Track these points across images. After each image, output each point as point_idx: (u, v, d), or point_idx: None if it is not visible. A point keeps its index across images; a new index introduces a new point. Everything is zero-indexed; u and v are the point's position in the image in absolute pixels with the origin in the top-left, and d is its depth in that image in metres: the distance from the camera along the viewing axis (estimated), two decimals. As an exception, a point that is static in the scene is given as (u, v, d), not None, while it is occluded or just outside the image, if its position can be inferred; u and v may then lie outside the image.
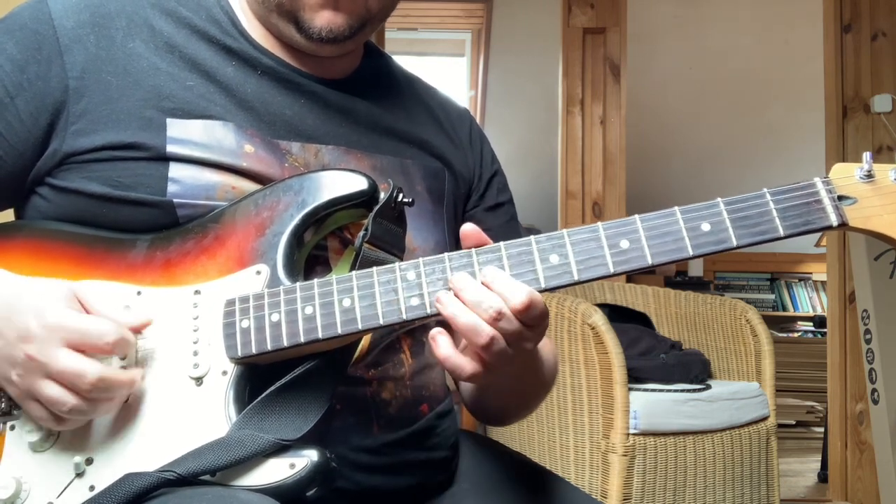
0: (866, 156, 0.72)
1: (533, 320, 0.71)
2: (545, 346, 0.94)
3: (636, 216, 0.73)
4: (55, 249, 0.82)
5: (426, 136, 0.98)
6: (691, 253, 0.72)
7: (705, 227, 0.72)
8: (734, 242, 0.72)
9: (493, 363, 0.72)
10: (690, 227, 0.72)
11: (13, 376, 0.71)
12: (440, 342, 0.72)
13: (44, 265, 0.81)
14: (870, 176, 0.72)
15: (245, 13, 0.91)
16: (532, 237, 0.74)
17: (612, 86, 3.65)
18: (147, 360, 0.76)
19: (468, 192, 1.02)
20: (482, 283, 0.71)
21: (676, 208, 0.73)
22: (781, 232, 0.71)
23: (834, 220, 0.71)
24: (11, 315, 0.71)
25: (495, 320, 0.70)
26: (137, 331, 0.74)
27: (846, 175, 0.72)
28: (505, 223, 1.03)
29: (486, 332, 0.70)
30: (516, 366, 0.75)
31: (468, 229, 0.75)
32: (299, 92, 0.90)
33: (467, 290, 0.71)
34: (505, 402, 0.96)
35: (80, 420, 0.72)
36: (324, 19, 0.86)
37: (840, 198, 0.72)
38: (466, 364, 0.72)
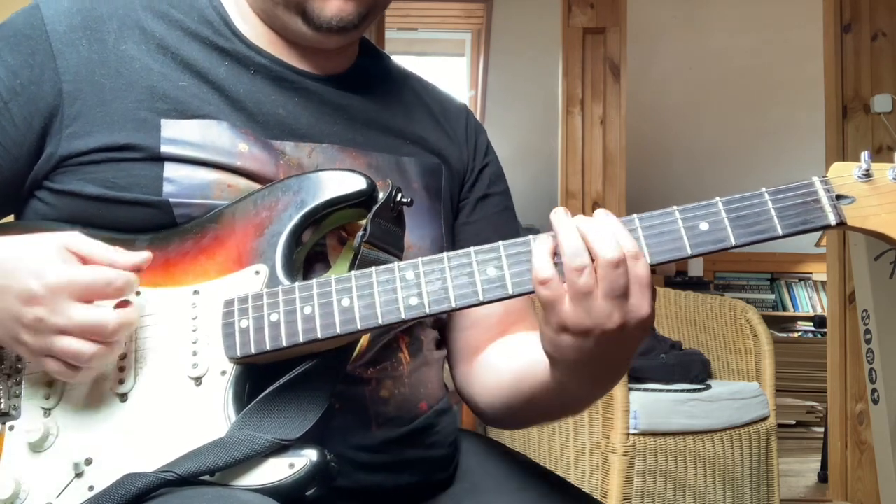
0: (864, 155, 0.72)
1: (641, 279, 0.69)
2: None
3: (635, 215, 0.73)
4: None
5: (423, 133, 0.98)
6: (690, 252, 0.71)
7: (704, 226, 0.72)
8: (733, 242, 0.71)
9: (584, 315, 0.69)
10: (689, 226, 0.72)
11: (25, 338, 0.72)
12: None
13: None
14: (868, 175, 0.72)
15: (241, 11, 0.91)
16: (531, 236, 0.74)
17: (612, 86, 3.65)
18: (146, 359, 0.76)
19: (462, 185, 1.01)
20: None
21: (675, 208, 0.72)
22: (780, 231, 0.71)
23: (832, 219, 0.71)
24: (10, 280, 0.72)
25: (616, 265, 0.68)
26: (139, 269, 0.76)
27: (844, 174, 0.72)
28: (494, 214, 1.02)
29: (586, 259, 0.68)
30: (599, 361, 0.73)
31: None
32: (293, 90, 0.89)
33: (591, 227, 0.70)
34: (563, 400, 0.85)
35: (98, 367, 0.74)
36: (334, 8, 0.85)
37: (838, 197, 0.71)
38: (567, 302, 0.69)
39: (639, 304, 0.70)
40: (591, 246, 0.69)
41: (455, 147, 1.01)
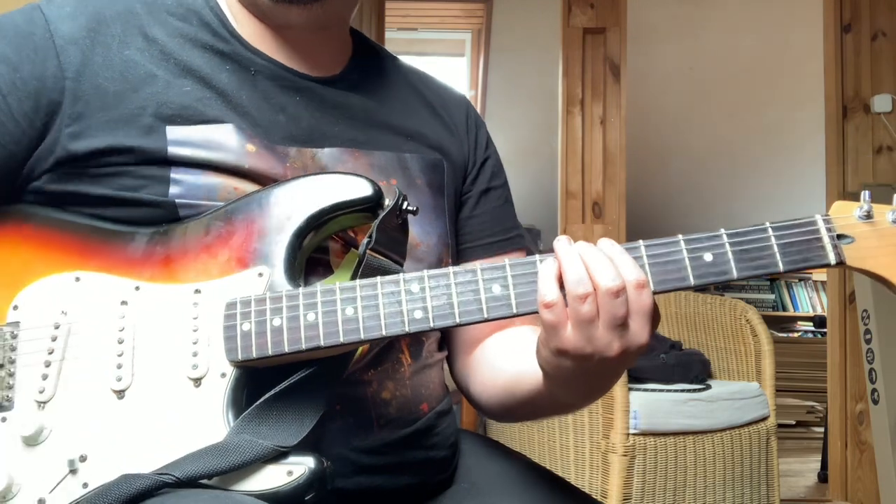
0: (865, 195, 0.74)
1: (643, 308, 0.70)
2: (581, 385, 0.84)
3: (640, 242, 0.74)
4: (51, 237, 0.81)
5: (423, 128, 0.98)
6: (693, 283, 0.73)
7: (708, 257, 0.74)
8: (735, 275, 0.73)
9: (584, 342, 0.70)
10: (693, 256, 0.74)
11: None
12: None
13: (39, 253, 0.80)
14: (869, 216, 0.74)
15: (233, 10, 0.90)
16: (537, 257, 0.74)
17: (612, 86, 3.64)
18: (145, 356, 0.76)
19: (464, 178, 1.02)
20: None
21: (680, 237, 0.74)
22: (781, 267, 0.73)
23: (832, 258, 0.73)
24: None
25: (615, 294, 0.69)
26: None
27: (846, 214, 0.74)
28: (496, 207, 1.03)
29: (588, 288, 0.69)
30: (592, 374, 0.74)
31: None
32: (293, 90, 0.89)
33: (593, 256, 0.70)
34: (556, 400, 0.86)
35: None
36: None
37: (839, 236, 0.74)
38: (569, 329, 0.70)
39: (639, 332, 0.71)
40: (592, 275, 0.70)
41: (456, 140, 1.01)
